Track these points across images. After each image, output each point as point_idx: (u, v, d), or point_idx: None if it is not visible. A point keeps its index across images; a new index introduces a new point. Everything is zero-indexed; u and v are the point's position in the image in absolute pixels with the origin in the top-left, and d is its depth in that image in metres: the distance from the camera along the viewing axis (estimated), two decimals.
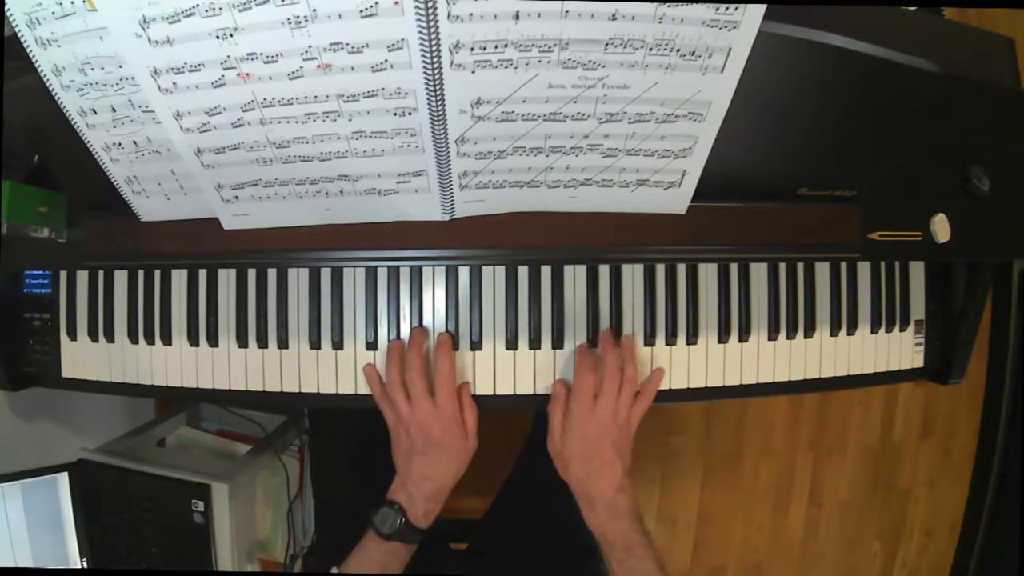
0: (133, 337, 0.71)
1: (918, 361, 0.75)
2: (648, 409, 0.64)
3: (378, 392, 0.64)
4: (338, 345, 0.67)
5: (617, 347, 0.64)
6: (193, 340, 0.69)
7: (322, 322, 0.67)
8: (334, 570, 0.61)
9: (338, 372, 0.67)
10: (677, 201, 0.59)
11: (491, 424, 0.65)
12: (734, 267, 0.68)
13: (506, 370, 0.66)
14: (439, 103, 0.48)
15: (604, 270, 0.67)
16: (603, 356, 0.63)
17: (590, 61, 0.47)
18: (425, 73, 0.46)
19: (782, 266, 0.70)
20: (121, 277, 0.71)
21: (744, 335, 0.68)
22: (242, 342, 0.68)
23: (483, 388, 0.66)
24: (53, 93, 0.51)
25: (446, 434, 0.61)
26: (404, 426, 0.62)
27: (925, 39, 0.60)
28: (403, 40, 0.45)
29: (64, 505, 0.88)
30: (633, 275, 0.67)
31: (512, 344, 0.66)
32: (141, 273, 0.71)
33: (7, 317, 0.73)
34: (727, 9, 0.44)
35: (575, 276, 0.66)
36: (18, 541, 0.84)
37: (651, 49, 0.47)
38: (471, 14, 0.43)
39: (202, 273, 0.69)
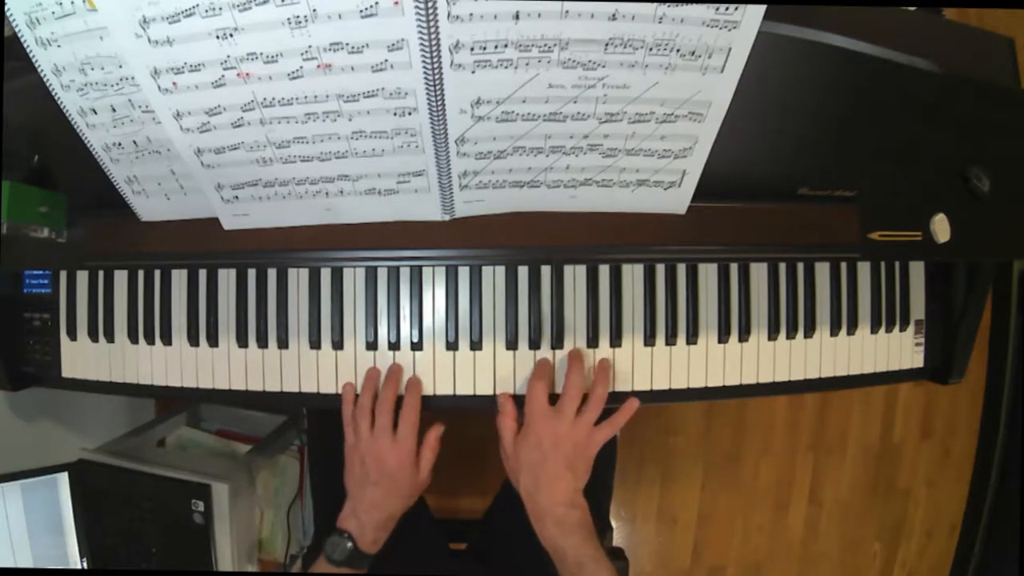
0: (133, 337, 0.71)
1: (918, 361, 0.75)
2: (613, 434, 0.62)
3: (348, 413, 0.65)
4: (338, 345, 0.67)
5: (581, 366, 0.63)
6: (193, 340, 0.69)
7: (322, 322, 0.67)
8: None
9: (338, 372, 0.67)
10: (677, 201, 0.59)
11: (491, 424, 0.65)
12: (734, 267, 0.68)
13: (506, 370, 0.66)
14: (439, 103, 0.48)
15: (604, 270, 0.67)
16: (568, 373, 0.62)
17: (590, 61, 0.47)
18: (425, 73, 0.46)
19: (782, 266, 0.70)
20: (121, 277, 0.71)
21: (744, 335, 0.68)
22: (242, 342, 0.68)
23: (483, 388, 0.66)
24: (53, 93, 0.51)
25: (400, 469, 0.62)
26: (360, 454, 0.63)
27: (925, 39, 0.60)
28: (403, 40, 0.45)
29: (64, 505, 0.88)
30: (633, 275, 0.67)
31: (512, 344, 0.66)
32: (141, 273, 0.71)
33: (7, 317, 0.73)
34: (727, 9, 0.44)
35: (575, 276, 0.66)
36: (18, 541, 0.84)
37: (651, 49, 0.47)
38: (471, 14, 0.43)
39: (202, 273, 0.69)
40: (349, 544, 0.62)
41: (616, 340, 0.66)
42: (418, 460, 0.63)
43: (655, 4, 0.44)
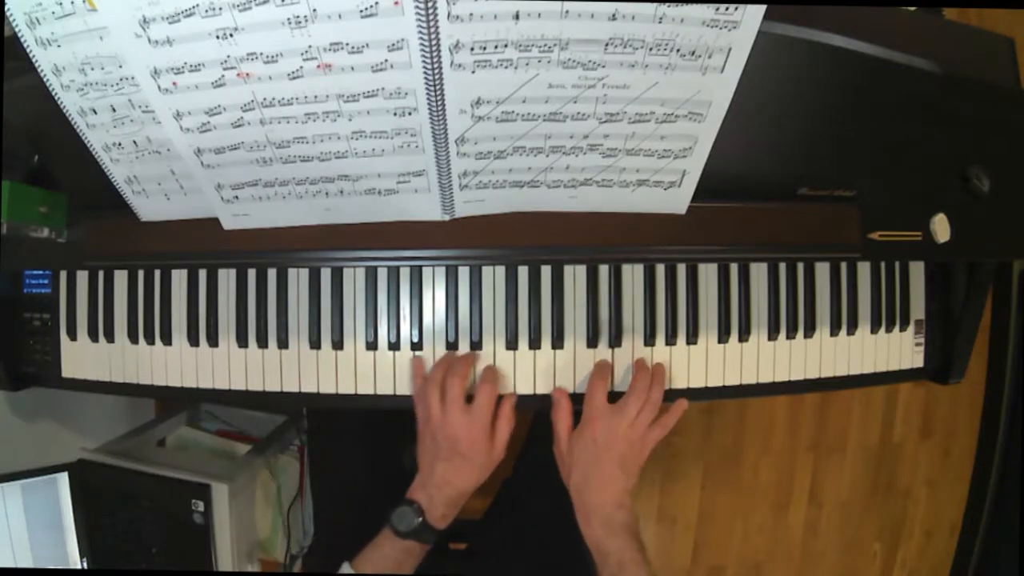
0: (133, 337, 0.71)
1: (918, 361, 0.75)
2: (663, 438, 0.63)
3: (417, 387, 0.64)
4: (338, 345, 0.67)
5: (647, 371, 0.64)
6: (193, 340, 0.69)
7: (322, 322, 0.67)
8: (346, 567, 0.61)
9: (338, 372, 0.67)
10: (677, 201, 0.59)
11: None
12: (734, 267, 0.68)
13: (506, 370, 0.66)
14: (439, 103, 0.48)
15: (604, 270, 0.67)
16: (634, 374, 0.63)
17: (590, 61, 0.47)
18: (425, 73, 0.46)
19: (782, 266, 0.70)
20: (121, 277, 0.71)
21: (744, 335, 0.68)
22: (242, 342, 0.68)
23: None
24: (53, 93, 0.51)
25: (473, 446, 0.60)
26: (432, 430, 0.61)
27: (925, 39, 0.60)
28: (403, 40, 0.45)
29: (64, 505, 0.88)
30: (633, 275, 0.67)
31: (512, 344, 0.66)
32: (141, 273, 0.71)
33: (7, 317, 0.73)
34: (727, 9, 0.44)
35: (575, 276, 0.66)
36: (18, 541, 0.84)
37: (651, 49, 0.47)
38: (471, 14, 0.43)
39: (202, 273, 0.69)
40: (418, 518, 0.60)
41: (616, 340, 0.67)
42: (493, 434, 0.61)
43: (655, 4, 0.44)
